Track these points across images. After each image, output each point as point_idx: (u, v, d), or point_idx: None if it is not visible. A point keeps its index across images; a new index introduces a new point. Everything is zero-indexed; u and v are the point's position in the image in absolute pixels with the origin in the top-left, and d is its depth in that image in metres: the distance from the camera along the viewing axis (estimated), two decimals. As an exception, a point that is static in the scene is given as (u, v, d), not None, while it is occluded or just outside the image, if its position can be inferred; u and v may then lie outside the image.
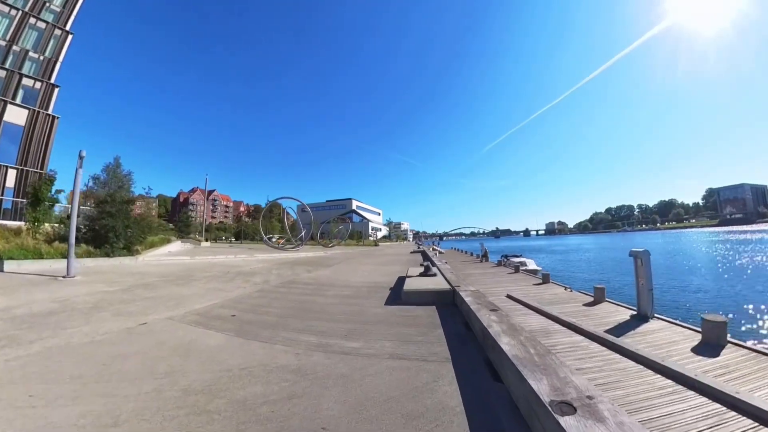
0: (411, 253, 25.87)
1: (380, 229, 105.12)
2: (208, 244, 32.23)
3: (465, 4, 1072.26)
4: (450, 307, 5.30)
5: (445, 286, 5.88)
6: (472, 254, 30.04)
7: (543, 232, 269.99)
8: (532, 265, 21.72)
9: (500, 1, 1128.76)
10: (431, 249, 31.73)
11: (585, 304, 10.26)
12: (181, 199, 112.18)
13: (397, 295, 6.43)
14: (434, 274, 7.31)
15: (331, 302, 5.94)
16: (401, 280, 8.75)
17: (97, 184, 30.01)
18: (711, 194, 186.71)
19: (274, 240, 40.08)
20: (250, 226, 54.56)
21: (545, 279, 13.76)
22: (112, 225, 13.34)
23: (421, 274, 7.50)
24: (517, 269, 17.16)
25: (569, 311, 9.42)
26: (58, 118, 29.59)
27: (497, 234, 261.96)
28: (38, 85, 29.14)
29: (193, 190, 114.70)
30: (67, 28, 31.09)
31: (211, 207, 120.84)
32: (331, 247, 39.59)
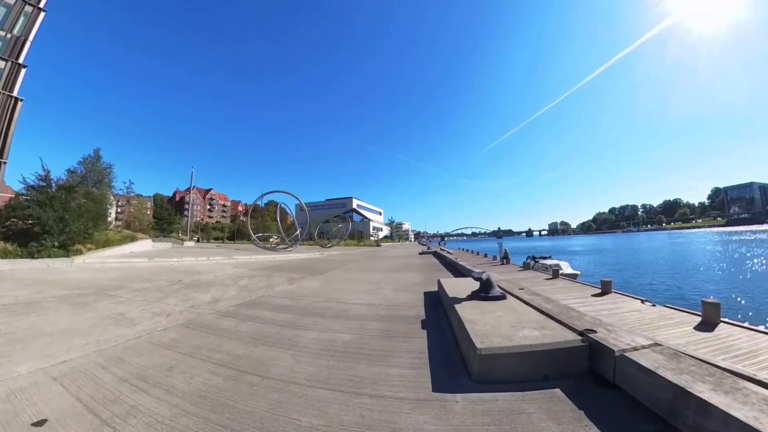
0: (420, 254, 22.63)
1: (381, 229, 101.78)
2: (191, 243, 29.01)
3: (470, 7, 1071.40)
4: (589, 385, 2.14)
5: (561, 332, 2.66)
6: (486, 255, 26.69)
7: (546, 232, 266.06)
8: (567, 268, 18.31)
9: (502, 1, 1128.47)
10: (440, 249, 28.41)
11: (696, 328, 7.05)
12: (177, 198, 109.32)
13: (448, 349, 3.10)
14: (502, 297, 4.03)
15: (305, 373, 2.55)
16: (432, 302, 5.51)
17: (73, 178, 26.91)
18: (717, 193, 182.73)
19: (271, 240, 36.87)
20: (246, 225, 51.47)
21: (605, 288, 10.53)
22: (38, 216, 10.14)
23: (477, 296, 4.16)
24: (555, 274, 13.95)
25: (684, 342, 6.21)
26: (22, 100, 26.35)
27: (499, 234, 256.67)
28: (2, 64, 26.01)
29: (189, 189, 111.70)
30: (41, 5, 27.95)
31: (208, 206, 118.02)
32: (328, 247, 36.32)
